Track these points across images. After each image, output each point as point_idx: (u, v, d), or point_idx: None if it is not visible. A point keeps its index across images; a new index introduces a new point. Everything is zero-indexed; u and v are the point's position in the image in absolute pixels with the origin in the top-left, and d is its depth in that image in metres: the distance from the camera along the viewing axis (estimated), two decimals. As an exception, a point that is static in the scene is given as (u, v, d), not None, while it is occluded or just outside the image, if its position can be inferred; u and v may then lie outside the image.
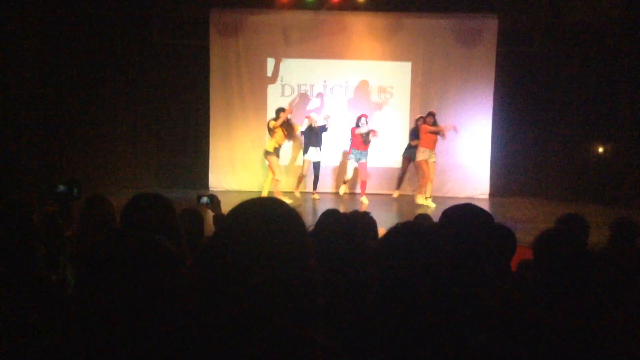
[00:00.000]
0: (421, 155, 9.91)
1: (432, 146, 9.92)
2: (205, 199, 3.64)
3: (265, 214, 1.24)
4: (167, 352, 1.23)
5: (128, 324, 1.22)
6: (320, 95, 11.39)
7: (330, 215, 3.06)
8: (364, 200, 9.97)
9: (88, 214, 3.36)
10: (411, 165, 10.62)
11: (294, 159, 11.35)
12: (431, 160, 9.98)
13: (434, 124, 9.91)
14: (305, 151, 10.33)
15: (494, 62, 11.13)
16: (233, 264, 1.18)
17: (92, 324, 1.23)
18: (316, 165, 10.35)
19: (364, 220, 3.43)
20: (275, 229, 1.21)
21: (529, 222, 8.47)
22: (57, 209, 3.54)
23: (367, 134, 9.93)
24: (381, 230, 4.68)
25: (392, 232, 1.57)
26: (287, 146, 10.99)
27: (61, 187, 3.44)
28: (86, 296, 1.26)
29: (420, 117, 10.24)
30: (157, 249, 1.31)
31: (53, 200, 3.48)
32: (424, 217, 4.92)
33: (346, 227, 2.80)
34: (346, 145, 10.50)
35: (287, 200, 9.47)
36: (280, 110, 10.02)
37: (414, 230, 1.59)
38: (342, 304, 2.09)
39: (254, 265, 1.17)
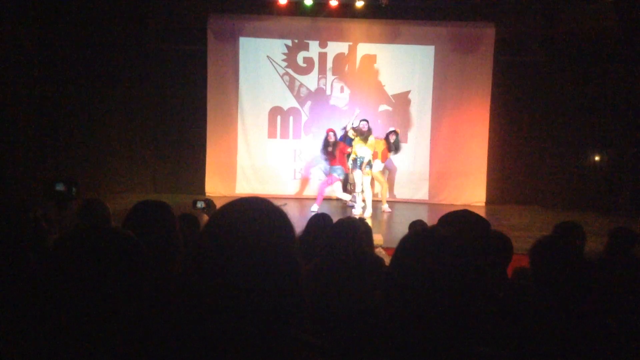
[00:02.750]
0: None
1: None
2: (200, 204, 3.64)
3: (251, 213, 1.23)
4: (150, 348, 1.23)
5: (103, 317, 1.22)
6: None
7: (319, 219, 3.06)
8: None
9: (84, 217, 3.35)
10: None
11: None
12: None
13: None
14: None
15: (491, 70, 11.18)
16: (218, 262, 1.18)
17: (63, 316, 1.23)
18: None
19: (360, 227, 3.42)
20: (260, 228, 1.20)
21: (525, 229, 8.48)
22: (41, 213, 3.50)
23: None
24: (376, 237, 4.68)
25: (410, 239, 1.55)
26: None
27: (59, 186, 3.42)
28: (55, 289, 1.26)
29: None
30: (124, 242, 1.31)
31: (50, 198, 3.47)
32: (419, 224, 4.92)
33: (336, 231, 2.80)
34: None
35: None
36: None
37: (434, 237, 1.57)
38: (333, 307, 2.08)
39: (239, 263, 1.17)
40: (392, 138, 9.90)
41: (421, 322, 1.37)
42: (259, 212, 1.24)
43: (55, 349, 1.29)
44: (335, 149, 9.66)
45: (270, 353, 1.16)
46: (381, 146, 9.91)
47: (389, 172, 10.90)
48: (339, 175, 9.69)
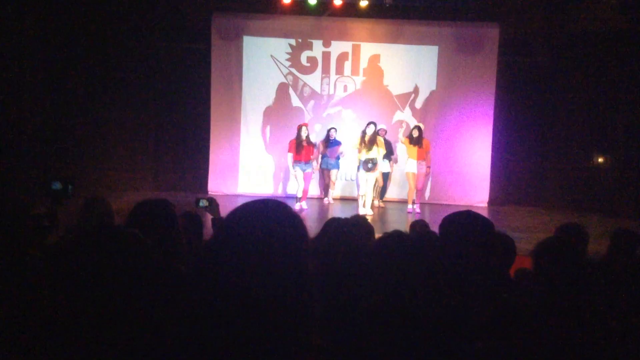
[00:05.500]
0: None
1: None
2: (203, 202, 3.63)
3: (264, 217, 1.23)
4: (157, 348, 1.23)
5: (110, 319, 1.22)
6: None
7: (333, 223, 3.07)
8: (304, 205, 9.85)
9: (87, 216, 3.35)
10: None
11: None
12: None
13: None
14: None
15: (495, 70, 11.15)
16: (231, 265, 1.18)
17: (71, 317, 1.23)
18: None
19: (363, 226, 3.42)
20: (274, 232, 1.20)
21: (528, 231, 8.46)
22: (43, 212, 3.50)
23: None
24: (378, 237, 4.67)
25: (383, 240, 1.57)
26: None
27: (56, 184, 3.43)
28: (63, 289, 1.26)
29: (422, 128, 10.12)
30: (133, 242, 1.31)
31: (47, 196, 3.47)
32: (421, 224, 4.91)
33: (347, 233, 2.81)
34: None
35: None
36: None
37: (404, 238, 1.59)
38: (343, 308, 2.09)
39: (252, 267, 1.17)
40: (416, 133, 9.83)
41: (405, 321, 1.38)
42: (274, 216, 1.23)
43: (59, 349, 1.29)
44: (308, 144, 9.79)
45: (280, 356, 1.16)
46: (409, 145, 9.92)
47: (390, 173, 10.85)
48: (312, 169, 9.95)
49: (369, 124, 9.54)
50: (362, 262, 2.65)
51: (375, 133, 9.51)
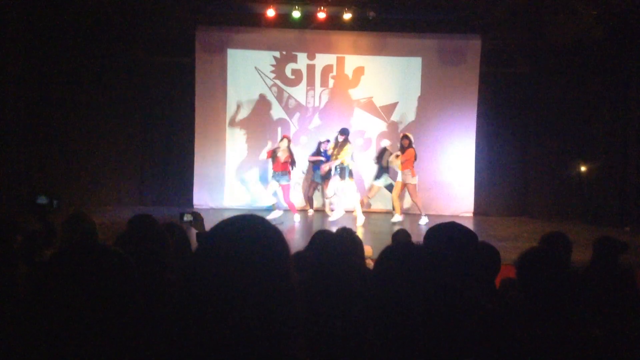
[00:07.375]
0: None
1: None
2: (187, 217, 3.61)
3: (246, 232, 1.24)
4: None
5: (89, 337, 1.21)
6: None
7: (321, 235, 3.07)
8: (297, 218, 9.93)
9: (70, 232, 3.32)
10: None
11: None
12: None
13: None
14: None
15: (478, 81, 11.27)
16: (214, 280, 1.18)
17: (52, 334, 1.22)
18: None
19: (350, 239, 3.42)
20: (256, 247, 1.21)
21: (512, 240, 8.52)
22: (39, 228, 3.49)
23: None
24: (366, 248, 4.70)
25: (389, 251, 1.56)
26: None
27: (42, 199, 3.42)
28: (43, 306, 1.25)
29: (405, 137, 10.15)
30: (113, 260, 1.31)
31: (32, 211, 3.45)
32: (403, 233, 4.94)
33: (336, 246, 2.81)
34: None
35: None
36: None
37: (413, 250, 1.58)
38: (331, 320, 2.08)
39: (235, 282, 1.17)
40: (406, 143, 9.91)
41: (403, 334, 1.37)
42: (254, 231, 1.24)
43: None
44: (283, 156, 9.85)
45: None
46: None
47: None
48: (287, 181, 9.93)
49: (340, 130, 9.73)
50: (352, 275, 2.65)
51: (346, 140, 9.62)
